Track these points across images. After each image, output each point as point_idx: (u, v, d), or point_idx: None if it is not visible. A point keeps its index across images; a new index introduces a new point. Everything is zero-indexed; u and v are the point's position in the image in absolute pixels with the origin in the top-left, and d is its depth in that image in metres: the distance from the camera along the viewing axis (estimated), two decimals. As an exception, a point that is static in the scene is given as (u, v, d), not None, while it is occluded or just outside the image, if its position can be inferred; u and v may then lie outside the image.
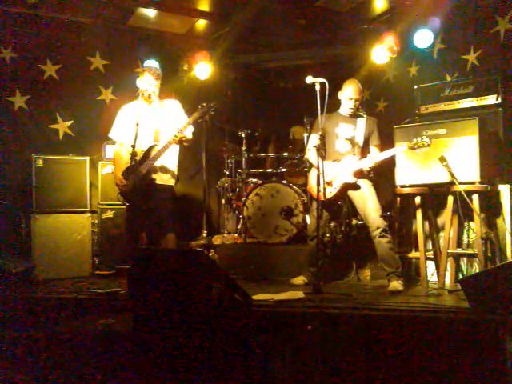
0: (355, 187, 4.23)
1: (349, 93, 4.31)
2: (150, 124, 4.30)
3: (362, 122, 4.35)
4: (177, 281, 3.09)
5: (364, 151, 4.34)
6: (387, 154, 4.17)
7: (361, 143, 4.32)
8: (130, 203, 4.20)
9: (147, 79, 4.29)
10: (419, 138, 4.01)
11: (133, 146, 4.04)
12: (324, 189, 3.98)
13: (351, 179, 4.21)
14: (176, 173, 4.40)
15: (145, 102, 4.32)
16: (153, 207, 4.23)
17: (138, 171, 4.14)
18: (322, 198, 3.98)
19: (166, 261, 3.25)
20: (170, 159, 4.33)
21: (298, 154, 5.53)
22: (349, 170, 4.21)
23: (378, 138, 4.39)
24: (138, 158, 4.15)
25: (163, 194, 4.26)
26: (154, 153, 4.17)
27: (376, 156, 4.23)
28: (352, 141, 4.33)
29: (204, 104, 4.24)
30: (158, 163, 4.21)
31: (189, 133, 4.28)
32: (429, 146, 4.00)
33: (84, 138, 5.72)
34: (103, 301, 3.83)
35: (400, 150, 4.22)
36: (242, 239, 5.31)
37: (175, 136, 4.09)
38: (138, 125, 4.06)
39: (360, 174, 4.23)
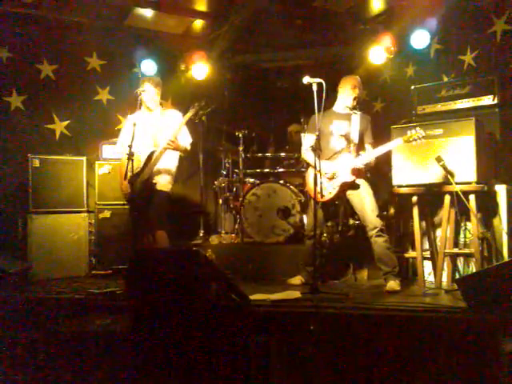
0: (354, 186, 4.23)
1: (352, 81, 4.32)
2: (149, 131, 4.42)
3: (356, 118, 4.33)
4: (174, 281, 3.09)
5: (359, 149, 4.33)
6: (383, 148, 4.16)
7: (356, 140, 4.30)
8: (135, 209, 4.27)
9: (147, 89, 4.39)
10: (413, 131, 4.02)
11: (130, 146, 4.09)
12: (321, 189, 3.98)
13: (350, 178, 4.20)
14: (174, 177, 4.51)
15: (147, 110, 4.47)
16: (149, 207, 4.31)
17: (141, 177, 4.27)
18: (319, 198, 3.98)
19: (164, 261, 3.25)
20: (169, 162, 4.45)
21: (295, 154, 5.52)
22: (346, 169, 4.21)
23: (372, 137, 4.38)
24: (138, 163, 4.28)
25: (159, 195, 4.38)
26: (153, 158, 4.31)
27: (372, 151, 4.23)
28: (347, 137, 4.31)
29: (196, 104, 4.35)
30: (157, 167, 4.34)
31: (185, 142, 4.43)
32: (424, 137, 4.01)
33: (81, 137, 5.72)
34: (100, 301, 3.82)
35: (396, 144, 4.17)
36: (240, 239, 5.31)
37: (168, 143, 4.22)
38: (135, 125, 4.13)
39: (358, 173, 4.24)
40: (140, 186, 4.27)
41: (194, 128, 4.58)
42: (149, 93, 4.40)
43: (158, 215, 4.36)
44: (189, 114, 4.33)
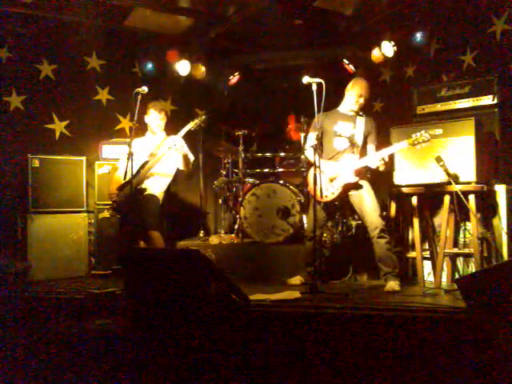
0: (356, 186, 4.23)
1: (359, 90, 4.29)
2: (149, 150, 4.61)
3: (361, 121, 4.33)
4: (174, 281, 3.09)
5: (362, 151, 4.32)
6: (388, 150, 4.14)
7: (360, 142, 4.29)
8: (123, 215, 4.40)
9: (153, 115, 4.68)
10: (418, 134, 3.99)
11: (129, 146, 4.13)
12: (321, 189, 3.98)
13: (353, 179, 4.19)
14: (167, 186, 4.67)
15: (151, 133, 4.74)
16: (140, 210, 4.41)
17: (132, 183, 4.28)
18: (318, 198, 3.98)
19: (163, 261, 3.24)
20: (164, 171, 4.60)
21: (295, 153, 5.52)
22: (349, 170, 4.20)
23: (376, 140, 4.36)
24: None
25: (149, 198, 4.49)
26: (147, 166, 4.49)
27: (376, 153, 4.20)
28: (351, 139, 4.31)
29: (197, 117, 4.57)
30: (151, 172, 4.51)
31: (190, 155, 4.69)
32: (429, 140, 3.98)
33: (80, 137, 5.72)
34: (100, 301, 3.82)
35: (401, 147, 4.13)
36: (239, 239, 5.31)
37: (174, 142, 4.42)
38: (134, 125, 4.16)
39: (360, 174, 4.23)
40: (130, 191, 4.28)
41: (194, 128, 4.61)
42: (155, 120, 4.66)
43: (150, 216, 4.43)
44: (193, 123, 4.51)
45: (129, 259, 3.45)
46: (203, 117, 4.56)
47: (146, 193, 4.50)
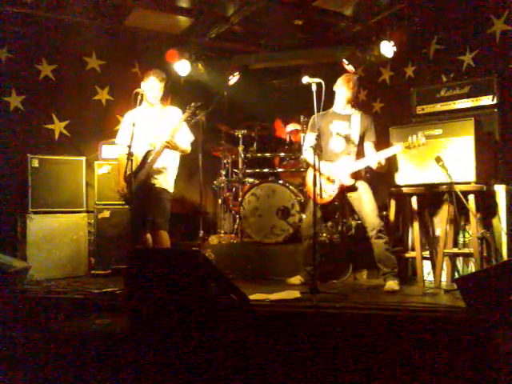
0: (354, 187, 4.23)
1: (348, 82, 4.28)
2: (149, 129, 4.39)
3: (356, 118, 4.31)
4: (174, 281, 3.08)
5: (360, 149, 4.30)
6: (383, 154, 4.14)
7: (356, 141, 4.28)
8: (133, 207, 4.24)
9: (151, 82, 4.38)
10: (414, 137, 3.99)
11: (129, 146, 4.07)
12: (321, 191, 3.97)
13: (349, 181, 4.20)
14: (174, 175, 4.47)
15: (148, 104, 4.43)
16: (149, 206, 4.28)
17: (138, 177, 4.21)
18: (318, 199, 3.98)
19: (163, 261, 3.24)
20: (169, 161, 4.41)
21: (295, 153, 5.52)
22: (346, 172, 4.20)
23: (375, 136, 4.32)
24: (136, 161, 4.20)
25: (160, 194, 4.33)
26: (150, 158, 4.27)
27: (373, 157, 4.20)
28: (347, 138, 4.30)
29: (192, 104, 4.35)
30: (156, 167, 4.29)
31: (184, 143, 4.40)
32: (424, 144, 3.99)
33: (80, 138, 5.72)
34: (100, 301, 3.83)
35: (396, 150, 4.13)
36: (239, 239, 5.31)
37: (166, 142, 4.19)
38: (134, 125, 4.10)
39: (357, 175, 4.23)
40: (138, 186, 4.19)
41: (194, 128, 4.60)
42: (153, 88, 4.37)
43: (162, 215, 4.30)
44: (185, 115, 4.34)
45: (128, 259, 3.45)
46: (198, 104, 4.36)
47: (158, 187, 4.32)
